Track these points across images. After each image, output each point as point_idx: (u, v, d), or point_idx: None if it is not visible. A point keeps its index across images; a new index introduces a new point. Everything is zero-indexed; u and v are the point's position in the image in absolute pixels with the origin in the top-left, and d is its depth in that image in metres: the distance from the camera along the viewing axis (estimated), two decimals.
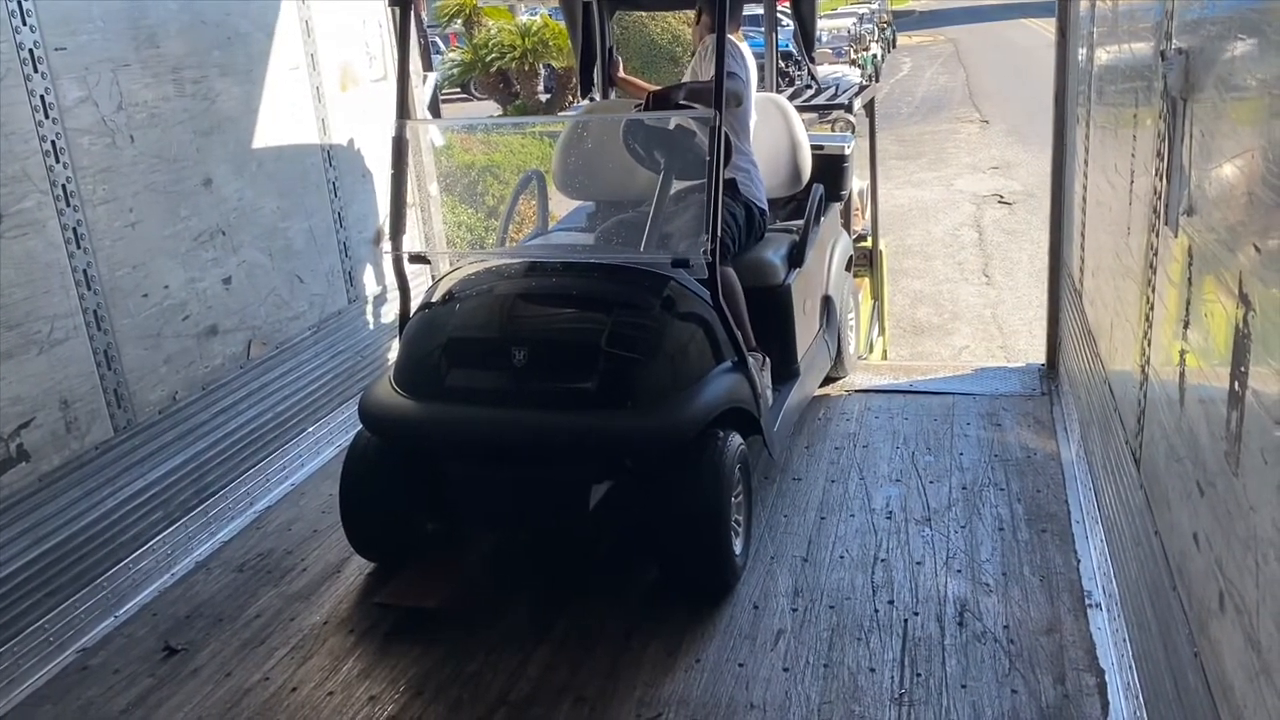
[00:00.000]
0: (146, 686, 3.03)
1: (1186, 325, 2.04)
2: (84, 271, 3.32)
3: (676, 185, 3.65)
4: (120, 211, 3.46)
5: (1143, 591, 2.50)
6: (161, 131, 3.64)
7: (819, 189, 4.44)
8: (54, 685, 3.06)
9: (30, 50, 3.12)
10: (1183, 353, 2.08)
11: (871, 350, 6.31)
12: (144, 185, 3.56)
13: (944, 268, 10.10)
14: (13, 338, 3.07)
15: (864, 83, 7.95)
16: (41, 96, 3.16)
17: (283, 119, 4.28)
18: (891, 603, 3.15)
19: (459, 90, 20.90)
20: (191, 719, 2.88)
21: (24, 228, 3.11)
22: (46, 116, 3.18)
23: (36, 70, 3.14)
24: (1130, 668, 2.63)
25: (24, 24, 3.10)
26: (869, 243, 6.39)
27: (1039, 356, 5.17)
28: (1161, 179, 2.29)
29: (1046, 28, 34.54)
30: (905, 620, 3.06)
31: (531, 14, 19.60)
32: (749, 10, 5.30)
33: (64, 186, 3.24)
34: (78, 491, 3.31)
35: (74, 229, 3.28)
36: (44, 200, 3.18)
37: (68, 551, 3.26)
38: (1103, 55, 3.55)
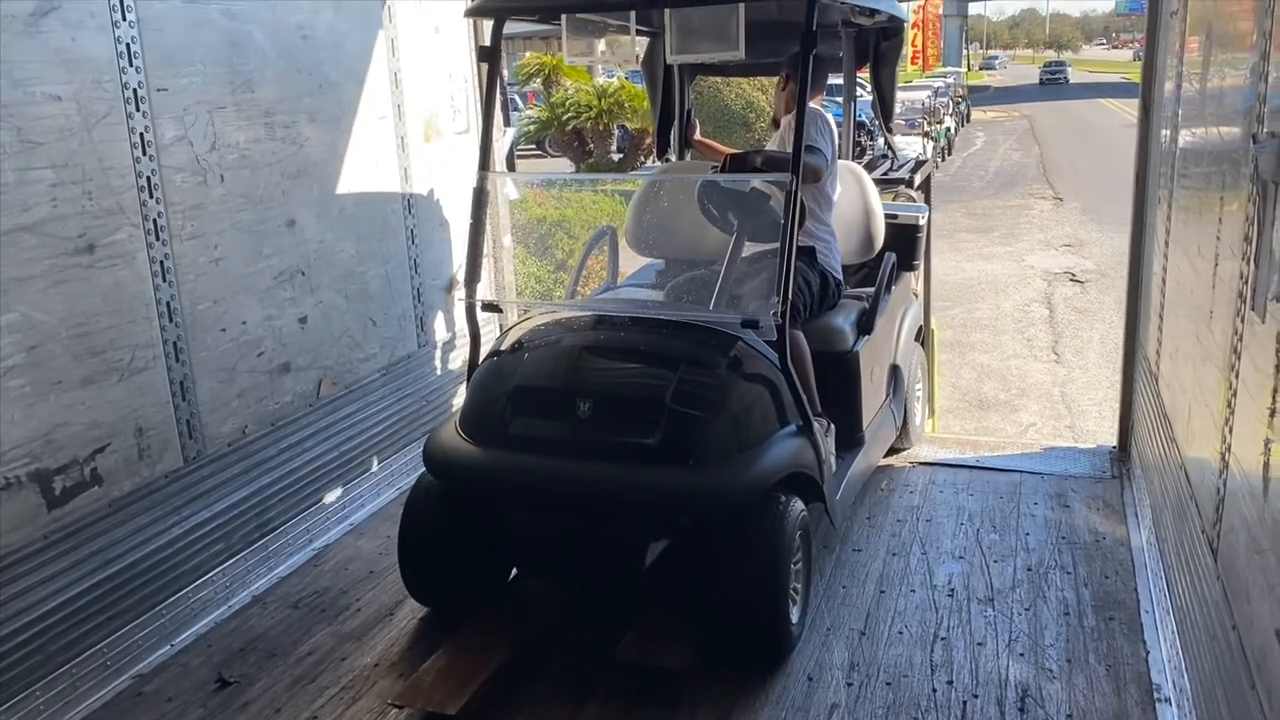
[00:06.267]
0: (198, 717, 3.05)
1: (1273, 414, 1.99)
2: (167, 304, 3.41)
3: (751, 248, 3.65)
4: (206, 248, 3.57)
5: (1218, 688, 2.40)
6: (250, 172, 3.75)
7: (891, 257, 4.43)
8: (109, 709, 3.09)
9: (134, 90, 3.25)
10: (1268, 442, 2.02)
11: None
12: (230, 223, 3.67)
13: (1012, 343, 9.96)
14: (96, 364, 3.16)
15: (921, 158, 7.84)
16: (141, 134, 3.28)
17: (367, 166, 4.38)
18: (950, 683, 3.06)
19: (534, 147, 21.27)
20: None
21: (115, 259, 3.22)
22: (144, 153, 3.30)
23: (139, 109, 3.27)
24: None
25: (130, 65, 3.23)
26: None
27: (1108, 438, 5.06)
28: (1249, 263, 2.24)
29: (1123, 108, 34.38)
30: (964, 702, 2.97)
31: (609, 76, 19.95)
32: (830, 80, 5.32)
33: (155, 221, 3.35)
34: (145, 519, 3.36)
35: (161, 262, 3.38)
36: (135, 233, 3.28)
37: (131, 577, 3.31)
38: (1188, 137, 3.51)
